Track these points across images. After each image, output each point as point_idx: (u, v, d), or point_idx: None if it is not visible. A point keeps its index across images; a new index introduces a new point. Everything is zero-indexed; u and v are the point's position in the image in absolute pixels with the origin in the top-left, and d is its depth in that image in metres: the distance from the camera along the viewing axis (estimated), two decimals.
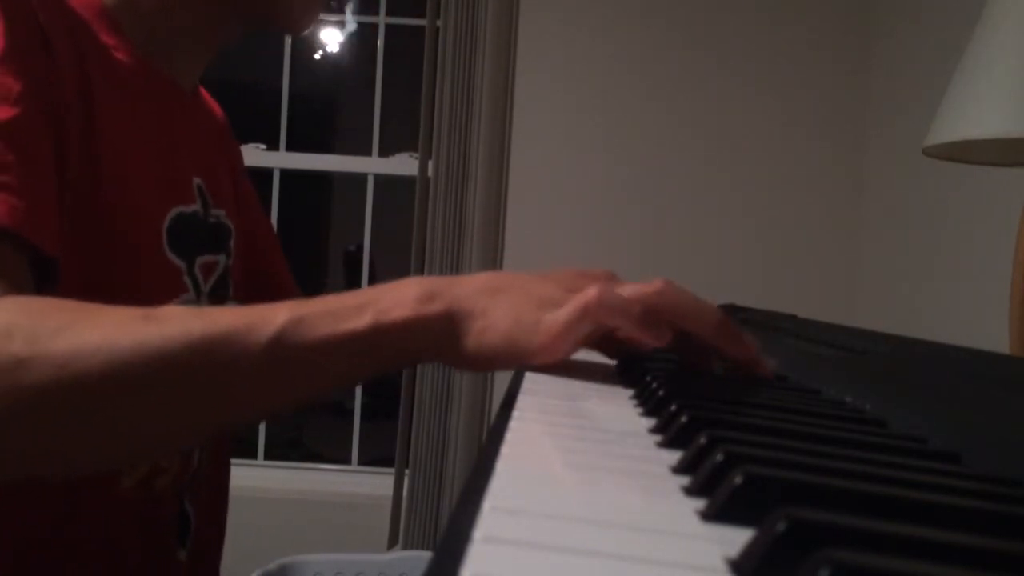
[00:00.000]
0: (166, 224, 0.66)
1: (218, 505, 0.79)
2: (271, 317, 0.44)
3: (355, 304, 0.45)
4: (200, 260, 0.71)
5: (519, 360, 0.46)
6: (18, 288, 0.50)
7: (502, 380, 2.22)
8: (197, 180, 0.72)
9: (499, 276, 0.49)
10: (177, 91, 0.73)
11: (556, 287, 0.48)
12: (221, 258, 0.75)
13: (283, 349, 0.43)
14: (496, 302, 0.46)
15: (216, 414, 0.46)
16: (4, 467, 0.45)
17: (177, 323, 0.43)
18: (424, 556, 1.92)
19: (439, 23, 2.23)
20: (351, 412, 2.55)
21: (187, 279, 0.68)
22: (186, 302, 0.67)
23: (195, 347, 0.43)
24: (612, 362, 0.60)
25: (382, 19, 2.52)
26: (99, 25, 0.64)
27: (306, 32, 0.75)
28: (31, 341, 0.41)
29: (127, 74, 0.65)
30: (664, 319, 0.47)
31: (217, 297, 0.73)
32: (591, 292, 0.45)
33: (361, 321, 0.44)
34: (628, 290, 0.47)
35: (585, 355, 0.63)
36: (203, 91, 0.83)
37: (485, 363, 0.46)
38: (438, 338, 0.46)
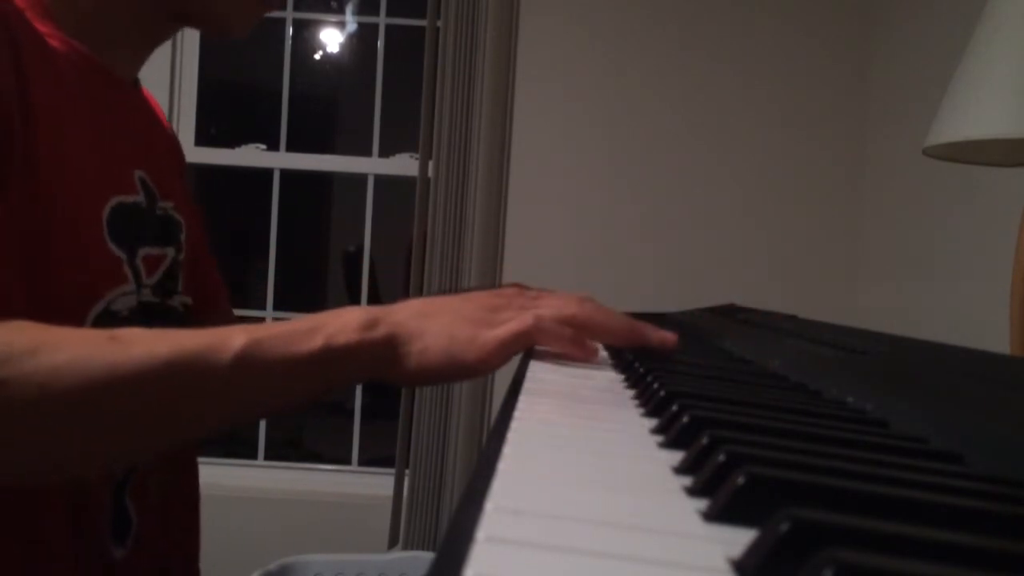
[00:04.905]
0: (106, 213, 0.65)
1: (175, 509, 0.77)
2: (231, 340, 0.49)
3: (305, 328, 0.51)
4: (143, 252, 0.69)
5: (457, 373, 0.53)
6: None
7: (502, 380, 2.22)
8: (139, 172, 0.71)
9: (429, 301, 0.57)
10: (115, 81, 0.71)
11: (478, 307, 0.57)
12: (169, 251, 0.74)
13: (244, 369, 0.49)
14: (431, 323, 0.54)
15: (182, 428, 0.51)
16: None
17: (143, 345, 0.47)
18: (424, 556, 1.92)
19: (439, 23, 2.23)
20: (351, 412, 2.55)
21: (127, 269, 0.67)
22: (126, 293, 0.66)
23: (162, 369, 0.47)
24: (612, 362, 0.60)
25: (382, 19, 2.52)
26: (32, 12, 0.64)
27: (245, 37, 0.74)
28: (5, 361, 0.44)
29: (62, 62, 0.64)
30: (587, 335, 0.58)
31: (164, 291, 0.72)
32: (528, 318, 0.55)
33: (313, 344, 0.51)
34: (549, 309, 0.57)
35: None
36: (144, 90, 0.82)
37: (426, 379, 0.54)
38: (382, 360, 0.53)
